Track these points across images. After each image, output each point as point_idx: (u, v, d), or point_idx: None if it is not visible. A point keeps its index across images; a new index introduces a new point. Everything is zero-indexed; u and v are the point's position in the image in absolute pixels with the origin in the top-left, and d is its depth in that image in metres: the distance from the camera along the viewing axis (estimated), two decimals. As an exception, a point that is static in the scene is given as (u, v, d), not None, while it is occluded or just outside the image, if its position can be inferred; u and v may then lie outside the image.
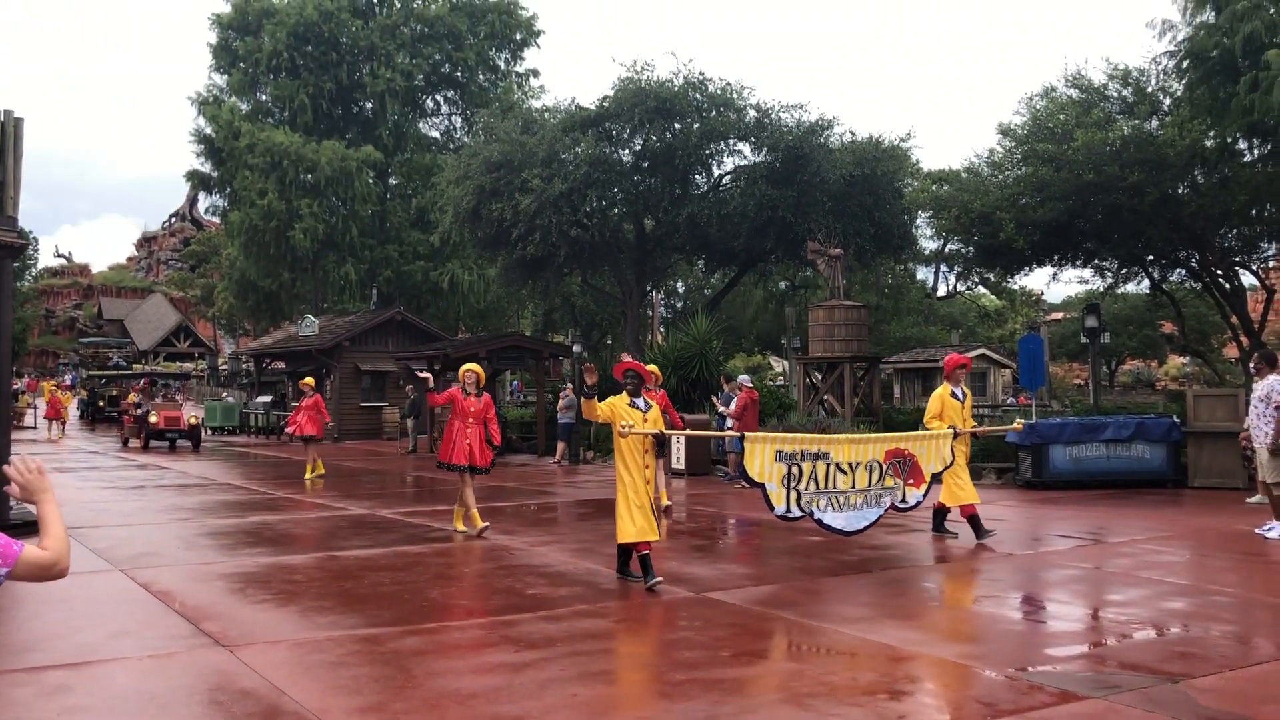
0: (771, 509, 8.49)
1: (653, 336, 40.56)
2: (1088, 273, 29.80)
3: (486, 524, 11.79)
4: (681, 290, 53.55)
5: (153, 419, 28.69)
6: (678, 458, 19.88)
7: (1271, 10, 19.02)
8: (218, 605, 8.12)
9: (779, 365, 56.36)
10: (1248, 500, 14.28)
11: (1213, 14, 19.94)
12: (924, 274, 51.00)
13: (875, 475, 8.96)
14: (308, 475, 19.52)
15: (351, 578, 9.28)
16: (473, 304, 44.04)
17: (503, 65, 46.15)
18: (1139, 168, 22.14)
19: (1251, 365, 12.38)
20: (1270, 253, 27.18)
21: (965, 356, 12.06)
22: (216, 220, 53.43)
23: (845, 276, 23.86)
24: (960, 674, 6.06)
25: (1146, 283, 29.59)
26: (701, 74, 28.44)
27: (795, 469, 8.42)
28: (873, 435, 9.37)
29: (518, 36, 45.25)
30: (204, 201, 53.74)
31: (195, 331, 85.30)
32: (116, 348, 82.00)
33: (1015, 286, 52.18)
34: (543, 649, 6.59)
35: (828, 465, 8.59)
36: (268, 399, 38.42)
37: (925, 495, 9.60)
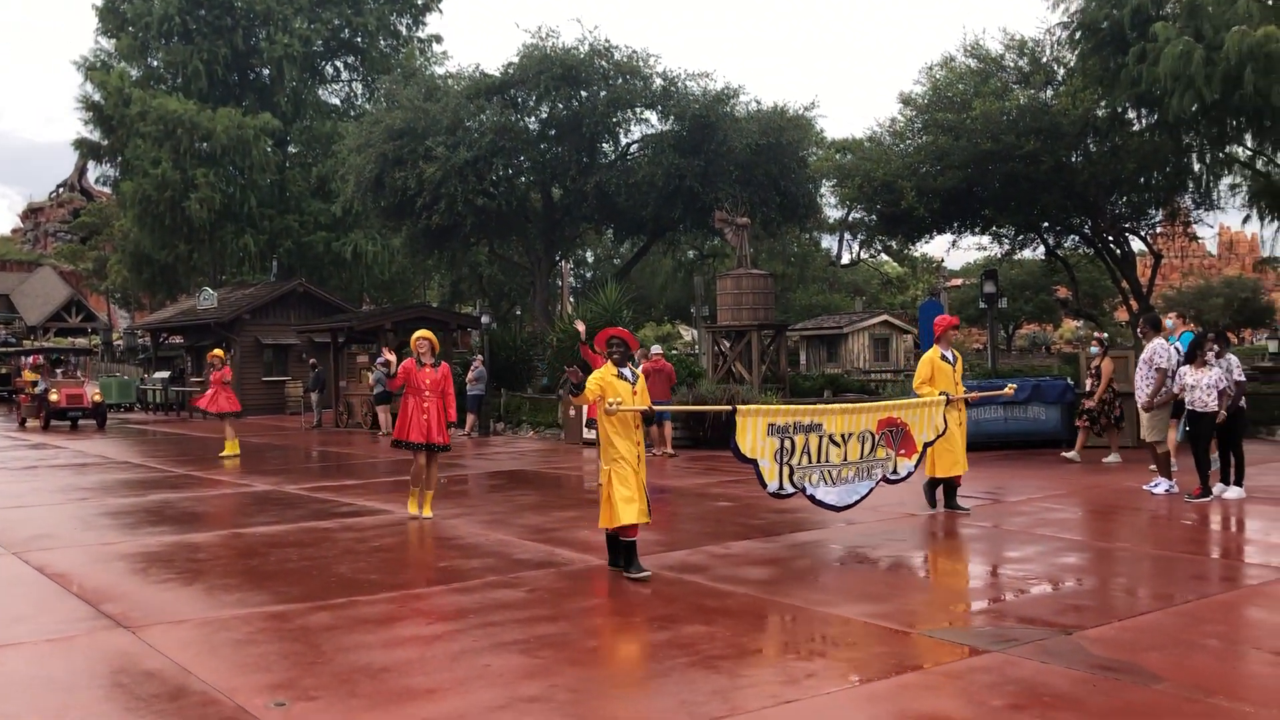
0: (764, 486, 8.02)
1: (562, 306, 40.45)
2: (986, 239, 30.56)
3: (429, 515, 10.81)
4: (591, 260, 53.45)
5: (53, 397, 27.65)
6: (588, 428, 19.92)
7: (1158, -17, 19.61)
8: (119, 586, 7.92)
9: (689, 334, 56.74)
10: (1104, 460, 14.73)
11: (1103, -14, 20.48)
12: (828, 242, 51.62)
13: (867, 446, 8.56)
14: (225, 453, 18.62)
15: (258, 555, 9.13)
16: (377, 275, 43.35)
17: (404, 31, 45.26)
18: (1034, 136, 22.72)
19: (1138, 329, 12.87)
20: (1157, 219, 28.17)
21: (954, 317, 11.45)
22: (108, 191, 51.56)
23: (752, 245, 24.09)
24: (866, 632, 6.22)
25: (1042, 249, 30.47)
26: (608, 41, 28.31)
27: (788, 443, 7.95)
28: (866, 405, 8.87)
29: (419, 1, 44.40)
30: (94, 171, 51.87)
31: (88, 306, 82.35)
32: (4, 324, 78.92)
33: (916, 254, 53.20)
34: (455, 621, 6.59)
35: (820, 438, 8.16)
36: (165, 374, 37.42)
37: (917, 466, 9.25)
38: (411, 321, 27.09)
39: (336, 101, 46.96)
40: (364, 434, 24.69)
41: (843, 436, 8.29)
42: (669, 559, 8.48)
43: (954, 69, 26.24)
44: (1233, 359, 11.56)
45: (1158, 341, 12.11)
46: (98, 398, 28.44)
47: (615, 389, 7.75)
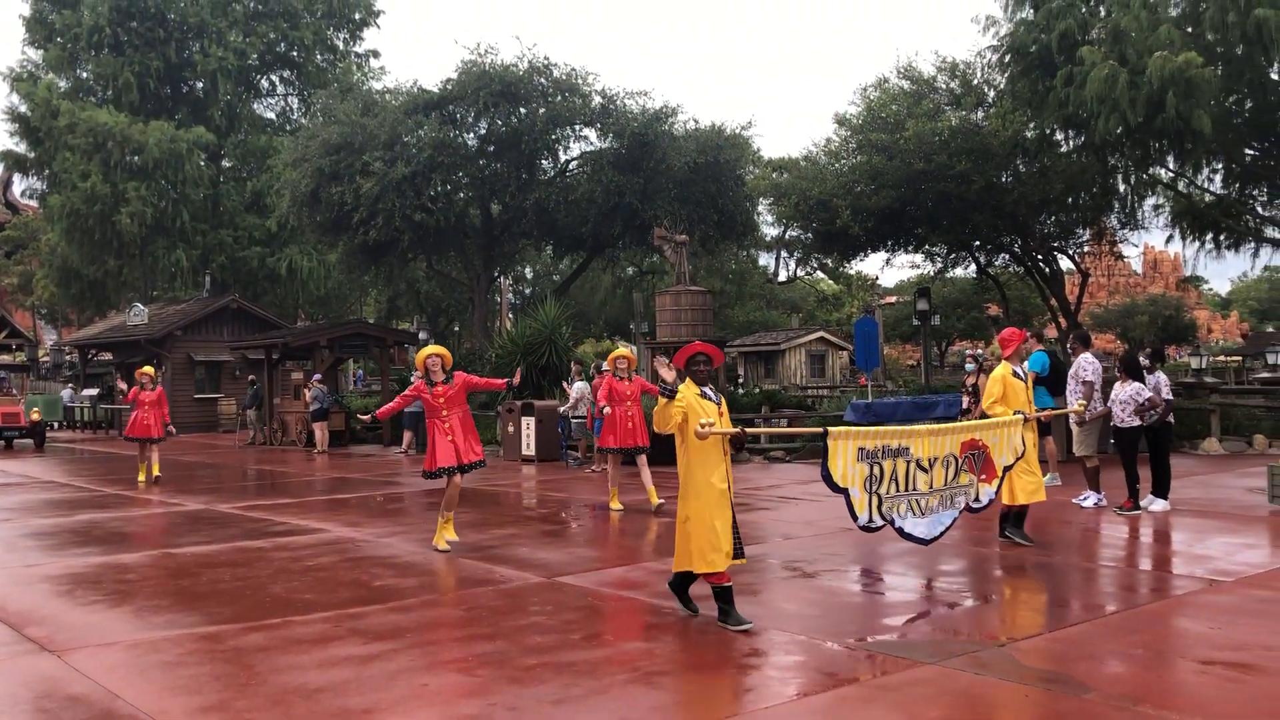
0: (854, 519, 7.13)
1: (501, 323, 40.31)
2: (919, 258, 31.11)
3: (448, 547, 9.84)
4: (530, 276, 53.39)
5: None
6: (528, 444, 19.85)
7: (1084, 9, 20.13)
8: (43, 609, 7.72)
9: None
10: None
11: (1031, 11, 20.98)
12: (765, 260, 52.18)
13: (951, 471, 7.86)
14: (141, 478, 17.24)
15: (189, 575, 8.96)
16: (312, 290, 42.81)
17: (341, 45, 44.86)
18: (966, 157, 23.17)
19: (1069, 345, 13.13)
20: (1085, 238, 28.87)
21: (1023, 330, 10.46)
22: (34, 204, 50.28)
23: (691, 262, 24.21)
24: (803, 646, 6.26)
25: (973, 267, 31.04)
26: (546, 59, 28.37)
27: (876, 469, 7.17)
28: (950, 425, 8.12)
29: (356, 16, 44.05)
30: (20, 184, 50.51)
31: (12, 322, 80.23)
32: (-78, 340, 76.50)
33: (852, 271, 53.94)
34: (391, 640, 6.52)
35: (908, 463, 7.43)
36: (94, 392, 36.58)
37: (997, 492, 8.47)
38: (348, 338, 26.85)
39: (272, 116, 46.41)
40: (299, 452, 24.35)
41: (929, 461, 7.63)
42: (607, 576, 8.47)
43: (888, 90, 26.70)
44: (1160, 376, 11.87)
45: (1085, 356, 12.41)
46: (35, 416, 27.43)
47: (703, 410, 6.70)
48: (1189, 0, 18.80)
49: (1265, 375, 30.45)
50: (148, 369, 18.16)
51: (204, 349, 33.97)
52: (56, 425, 36.10)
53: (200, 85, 42.37)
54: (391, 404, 10.43)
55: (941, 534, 7.83)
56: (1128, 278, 76.54)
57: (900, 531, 7.47)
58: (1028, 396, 9.65)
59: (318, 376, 24.39)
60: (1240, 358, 50.68)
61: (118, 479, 18.36)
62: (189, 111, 42.62)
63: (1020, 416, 8.91)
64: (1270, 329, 64.00)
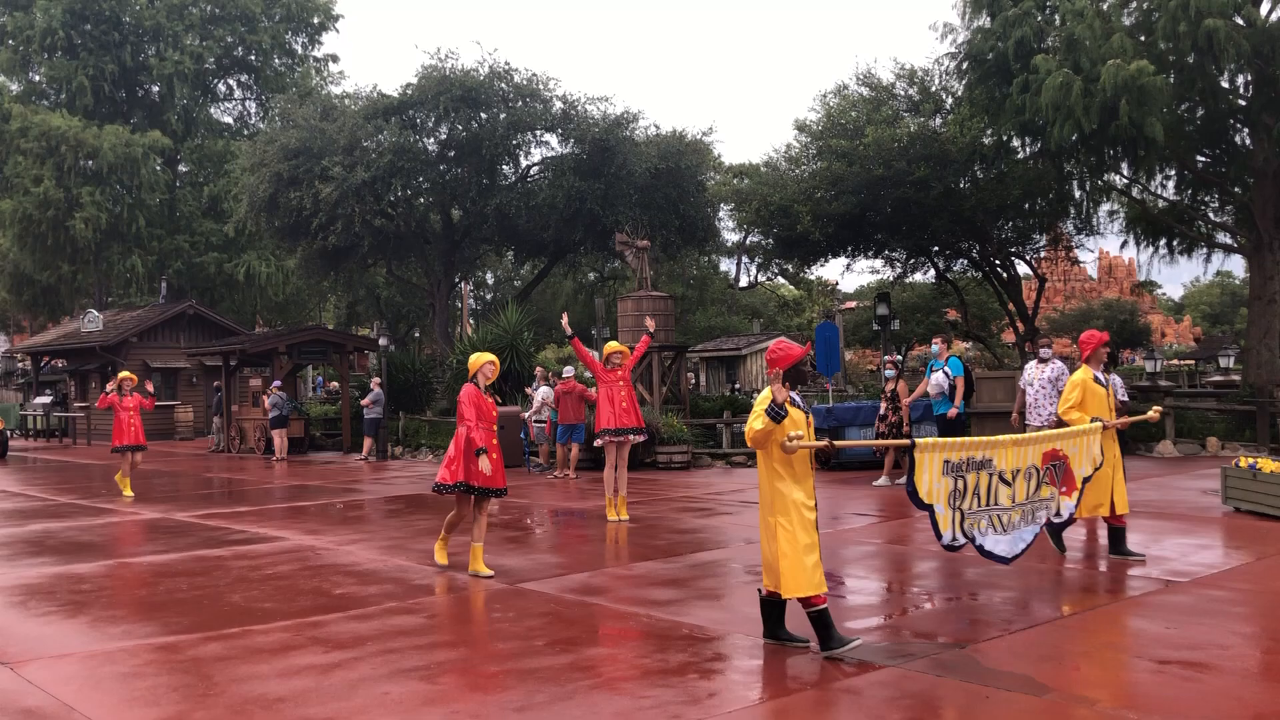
0: (938, 537, 6.64)
1: (462, 328, 40.14)
2: (879, 263, 31.35)
3: (490, 573, 8.76)
4: (491, 282, 53.21)
5: None
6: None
7: (1039, 17, 20.40)
8: (-5, 621, 7.58)
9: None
10: (873, 483, 14.91)
11: (988, 19, 21.23)
12: (727, 265, 52.40)
13: (1033, 484, 7.39)
14: (127, 491, 16.06)
15: (146, 585, 8.83)
16: (271, 296, 42.40)
17: (300, 50, 44.52)
18: (924, 163, 23.40)
19: (1041, 350, 13.26)
20: (1041, 244, 29.24)
21: (1104, 333, 9.90)
22: (-16, 209, 49.46)
23: (652, 268, 24.25)
24: (767, 650, 6.28)
25: (932, 272, 31.33)
26: (507, 64, 28.32)
27: (961, 483, 6.75)
28: (1032, 435, 7.62)
29: (315, 20, 43.73)
30: (-31, 188, 49.69)
31: (-39, 328, 78.96)
32: None
33: (812, 277, 54.23)
34: (353, 649, 6.46)
35: (990, 476, 6.98)
36: (47, 399, 35.99)
37: (1077, 505, 8.01)
38: (307, 344, 26.60)
39: (229, 120, 45.95)
40: (257, 459, 24.10)
41: (1012, 474, 7.15)
42: (570, 581, 8.46)
43: (847, 97, 26.91)
44: (1115, 379, 12.04)
45: (1061, 364, 12.62)
46: None
47: (794, 420, 6.17)
48: (1141, 10, 19.11)
49: (1217, 379, 30.96)
50: (130, 374, 17.05)
51: (160, 356, 33.53)
52: (9, 434, 35.41)
53: (156, 89, 41.87)
54: (466, 424, 8.81)
55: (1023, 551, 7.28)
56: (1083, 283, 77.62)
57: (981, 550, 6.96)
58: (1110, 403, 9.16)
59: (277, 383, 24.16)
60: (1193, 361, 51.51)
61: (72, 488, 18.07)
62: (144, 115, 42.11)
63: (1099, 424, 8.40)
64: (1222, 333, 65.09)
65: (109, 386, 16.78)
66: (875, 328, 24.80)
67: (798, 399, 6.28)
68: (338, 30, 45.17)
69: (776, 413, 6.00)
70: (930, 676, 5.61)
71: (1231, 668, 5.71)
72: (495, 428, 8.91)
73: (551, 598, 7.88)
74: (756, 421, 6.06)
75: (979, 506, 6.88)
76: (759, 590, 6.40)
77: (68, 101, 40.24)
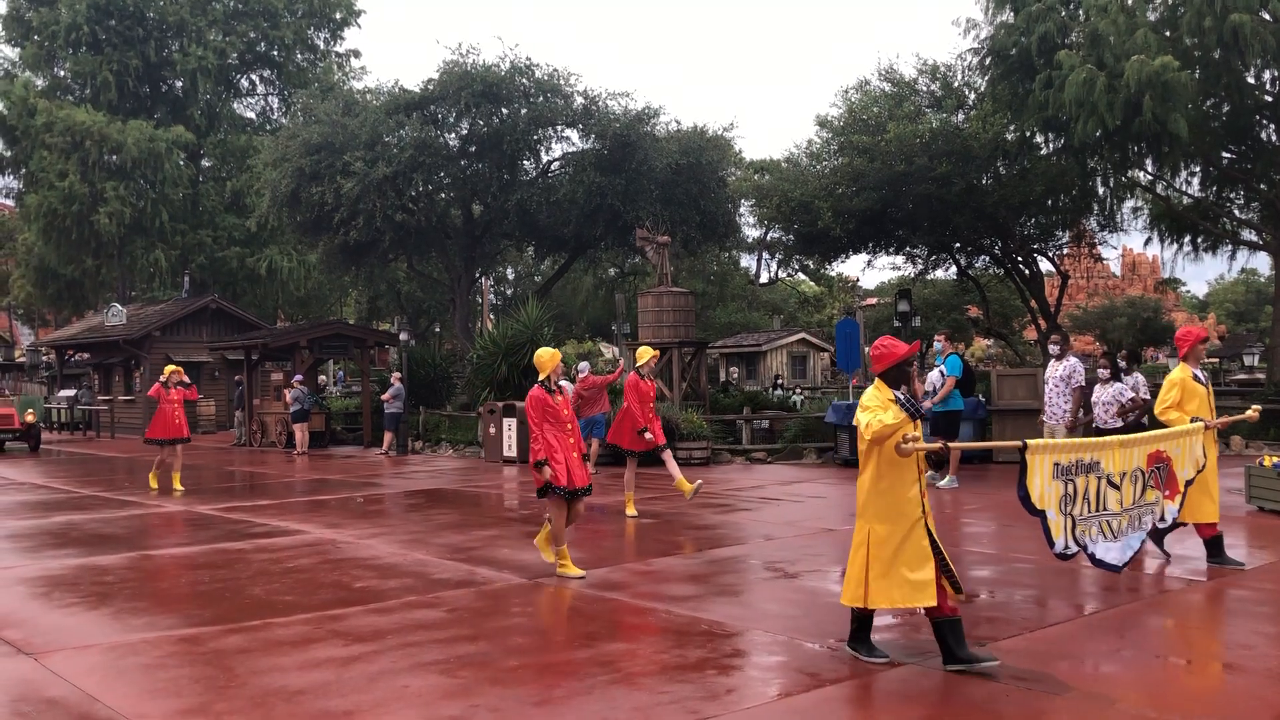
0: (1050, 545, 6.24)
1: (483, 323, 40.23)
2: (900, 259, 31.23)
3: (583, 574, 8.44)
4: (511, 277, 53.30)
5: None
6: (509, 445, 19.81)
7: (1063, 13, 20.26)
8: (19, 611, 7.65)
9: (609, 351, 56.79)
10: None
11: (1011, 14, 21.10)
12: (747, 261, 52.29)
13: (1139, 487, 7.02)
14: (155, 485, 16.02)
15: (168, 577, 8.90)
16: (292, 291, 42.62)
17: (322, 45, 44.67)
18: (946, 159, 23.27)
19: (1053, 347, 13.19)
20: (1064, 240, 29.04)
21: (1202, 328, 9.47)
22: (10, 204, 49.88)
23: (672, 263, 24.23)
24: (785, 647, 6.28)
25: (954, 269, 31.17)
26: (529, 59, 28.32)
27: (1070, 488, 6.36)
28: (1137, 436, 7.21)
29: (337, 16, 43.87)
30: (-5, 183, 50.09)
31: (-12, 322, 79.71)
32: (-105, 340, 75.75)
33: (833, 273, 54.11)
34: (372, 642, 6.49)
35: (1099, 480, 6.58)
36: (71, 392, 36.29)
37: (1180, 509, 7.54)
38: (328, 339, 26.72)
39: (252, 115, 46.17)
40: (279, 453, 24.23)
41: (1120, 476, 6.77)
42: (590, 577, 8.46)
43: (869, 93, 26.79)
44: (1138, 377, 11.96)
45: (1074, 360, 12.52)
46: (30, 418, 26.57)
47: (905, 421, 5.78)
48: (1166, 5, 18.95)
49: (1242, 377, 30.71)
50: (178, 367, 16.86)
51: (182, 350, 33.73)
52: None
53: (179, 84, 42.10)
54: (540, 441, 8.50)
55: (1130, 559, 6.87)
56: (1106, 280, 77.09)
57: (1093, 558, 6.55)
58: (1210, 402, 8.79)
59: (298, 377, 24.29)
60: (1217, 359, 51.09)
61: (96, 480, 18.23)
62: (168, 111, 42.37)
63: (1201, 424, 7.94)
64: (1247, 331, 64.53)
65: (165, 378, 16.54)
66: (896, 324, 24.73)
67: (903, 398, 5.79)
68: (360, 26, 45.32)
69: (914, 407, 5.56)
70: (949, 674, 5.59)
71: (1255, 667, 5.67)
72: (569, 426, 8.53)
73: (571, 592, 7.90)
74: (887, 415, 5.62)
75: (1089, 512, 6.49)
76: (922, 612, 5.90)
77: (92, 96, 40.53)
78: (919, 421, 5.83)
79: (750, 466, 18.22)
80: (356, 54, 46.14)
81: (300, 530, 11.48)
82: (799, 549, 9.68)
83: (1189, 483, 7.58)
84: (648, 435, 11.87)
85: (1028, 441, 6.09)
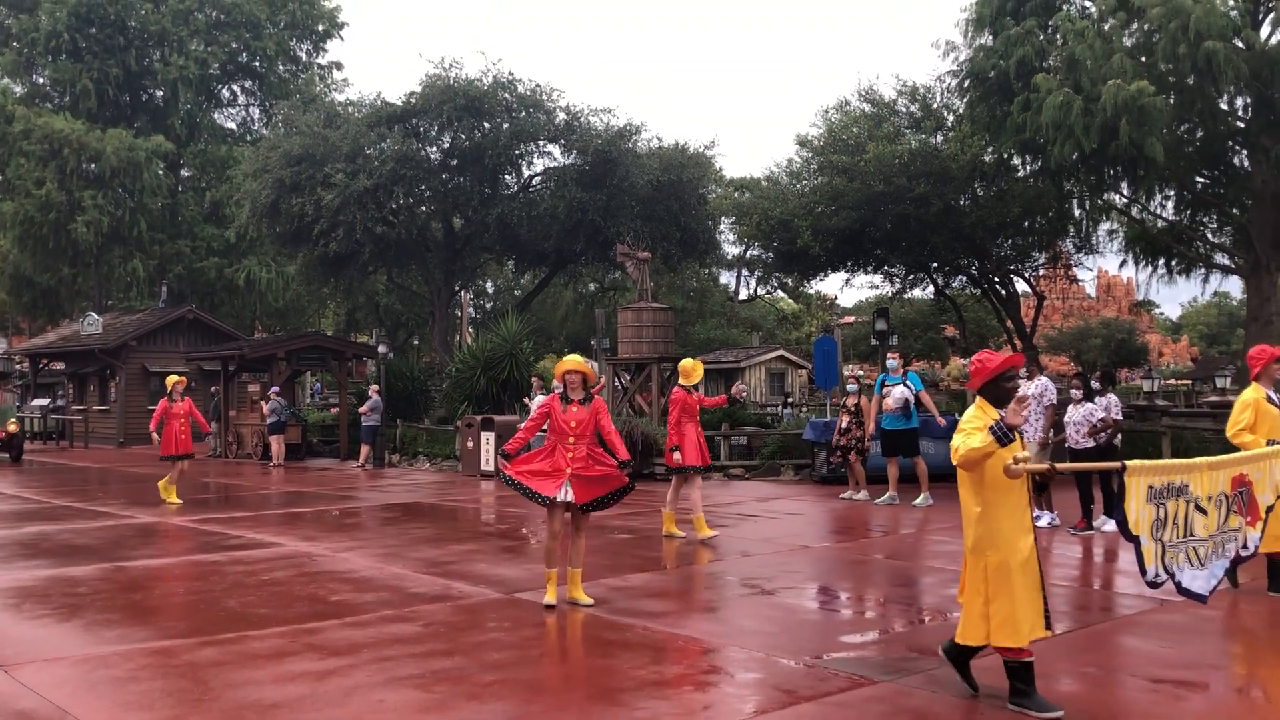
0: (1143, 573, 5.88)
1: (462, 337, 40.17)
2: (878, 278, 31.34)
3: (589, 601, 7.97)
4: (491, 291, 53.25)
5: None
6: (487, 459, 19.78)
7: (1040, 36, 20.47)
8: (-10, 623, 7.58)
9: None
10: (846, 496, 15.07)
11: (990, 37, 21.29)
12: (727, 278, 52.47)
13: (1223, 512, 6.63)
14: (173, 499, 15.56)
15: (141, 589, 8.84)
16: (270, 302, 42.43)
17: (304, 57, 44.65)
18: (925, 180, 23.42)
19: (1026, 367, 13.30)
20: (1040, 262, 29.27)
21: (1277, 348, 8.86)
22: (-14, 210, 49.50)
23: (652, 279, 24.29)
24: (761, 664, 6.30)
25: (931, 288, 31.35)
26: (511, 74, 28.42)
27: (1162, 512, 6.02)
28: (1224, 458, 6.75)
29: (320, 28, 43.87)
30: (-29, 190, 49.71)
31: (-40, 329, 78.89)
32: None
33: (811, 291, 54.29)
34: (348, 656, 6.47)
35: (1187, 504, 6.24)
36: (45, 401, 35.98)
37: (1261, 536, 6.99)
38: (306, 351, 26.62)
39: (233, 126, 46.07)
40: (254, 465, 24.09)
41: (1207, 500, 6.40)
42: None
43: (849, 113, 26.95)
44: (1112, 398, 12.07)
45: (1044, 379, 12.63)
46: (13, 428, 26.05)
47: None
48: (1142, 31, 19.15)
49: (1214, 399, 30.99)
50: (179, 379, 16.43)
51: (159, 360, 33.51)
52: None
53: (160, 94, 41.96)
54: (520, 434, 8.31)
55: (1215, 588, 6.42)
56: (1082, 301, 77.72)
57: (1179, 587, 6.14)
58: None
59: (276, 389, 24.17)
60: (1190, 381, 51.57)
61: (69, 491, 18.07)
62: (148, 120, 42.20)
63: (1278, 448, 7.34)
64: (1219, 353, 65.18)
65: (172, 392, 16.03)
66: (874, 342, 24.82)
67: (995, 425, 5.21)
68: (342, 38, 45.26)
69: (1003, 434, 5.07)
70: (925, 692, 5.62)
71: (1225, 687, 5.74)
72: (571, 439, 7.88)
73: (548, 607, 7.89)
74: (974, 439, 5.16)
75: (1178, 538, 6.13)
76: (951, 645, 5.56)
77: (71, 104, 40.34)
78: (1017, 443, 5.34)
79: (728, 483, 18.25)
80: (339, 66, 46.21)
81: (276, 543, 11.42)
82: (776, 566, 9.71)
83: (1270, 509, 7.09)
84: (676, 455, 11.50)
85: (1127, 463, 5.78)
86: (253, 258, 40.07)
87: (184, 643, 6.84)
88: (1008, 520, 5.32)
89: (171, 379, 16.33)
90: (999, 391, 5.38)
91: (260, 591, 8.65)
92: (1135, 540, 5.78)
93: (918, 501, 14.21)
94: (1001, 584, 5.28)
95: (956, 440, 5.32)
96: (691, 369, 11.69)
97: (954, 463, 5.33)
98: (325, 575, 9.37)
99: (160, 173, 39.58)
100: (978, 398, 5.40)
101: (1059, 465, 5.72)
